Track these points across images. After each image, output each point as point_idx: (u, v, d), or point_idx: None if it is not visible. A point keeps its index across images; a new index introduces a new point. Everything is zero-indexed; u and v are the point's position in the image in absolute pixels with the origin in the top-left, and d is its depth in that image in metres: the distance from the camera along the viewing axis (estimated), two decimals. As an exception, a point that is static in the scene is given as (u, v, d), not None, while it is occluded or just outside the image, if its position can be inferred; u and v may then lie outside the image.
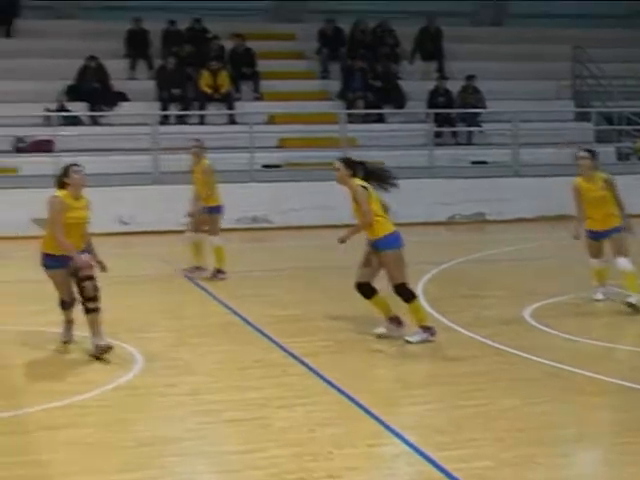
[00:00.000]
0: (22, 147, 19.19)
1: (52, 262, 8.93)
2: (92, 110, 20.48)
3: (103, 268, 9.16)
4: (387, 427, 6.87)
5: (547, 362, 8.55)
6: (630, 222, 10.96)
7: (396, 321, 9.55)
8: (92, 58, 20.67)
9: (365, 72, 22.00)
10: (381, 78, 22.04)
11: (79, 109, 20.31)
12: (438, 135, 21.12)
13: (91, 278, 8.80)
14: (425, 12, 23.33)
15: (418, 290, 11.27)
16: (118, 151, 18.88)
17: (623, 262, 10.80)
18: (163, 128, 19.51)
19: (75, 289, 8.96)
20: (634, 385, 7.88)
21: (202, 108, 21.04)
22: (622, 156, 21.84)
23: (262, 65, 21.99)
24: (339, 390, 7.80)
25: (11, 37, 22.07)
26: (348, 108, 21.13)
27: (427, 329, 9.41)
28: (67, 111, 19.89)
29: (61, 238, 8.76)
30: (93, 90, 20.49)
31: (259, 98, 21.80)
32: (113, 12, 22.53)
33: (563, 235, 12.23)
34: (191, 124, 20.45)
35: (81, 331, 9.17)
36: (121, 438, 6.71)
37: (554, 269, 13.73)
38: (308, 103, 21.23)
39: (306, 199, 18.61)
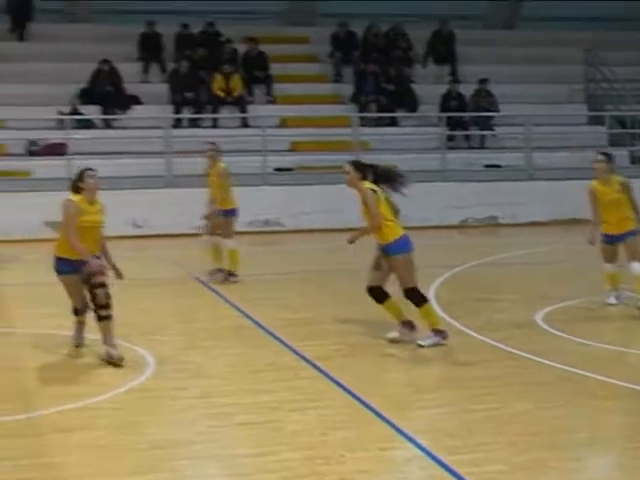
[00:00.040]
0: (35, 150, 19.22)
1: (65, 267, 8.89)
2: (105, 113, 20.54)
3: (119, 275, 9.14)
4: (399, 431, 6.86)
5: (559, 366, 8.52)
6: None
7: (409, 325, 9.53)
8: (105, 61, 20.73)
9: (378, 75, 21.99)
10: (394, 81, 22.04)
11: (92, 112, 20.37)
12: (451, 139, 21.09)
13: (103, 285, 8.77)
14: (438, 15, 23.30)
15: (430, 293, 11.26)
16: (131, 154, 18.92)
17: (637, 267, 10.77)
18: (176, 131, 19.59)
19: (87, 296, 8.93)
20: (647, 389, 7.87)
21: (215, 111, 21.07)
22: (635, 159, 21.76)
23: (275, 68, 22.02)
24: (351, 394, 7.78)
25: (25, 41, 22.13)
26: (361, 111, 21.15)
27: (439, 332, 9.40)
28: (80, 114, 19.96)
29: (75, 242, 8.72)
30: (106, 93, 20.54)
31: (272, 101, 21.84)
32: (126, 16, 22.59)
33: (576, 239, 12.19)
34: (204, 127, 20.45)
35: (92, 334, 9.17)
36: (133, 441, 6.72)
37: (567, 273, 13.69)
38: (321, 106, 21.22)
39: (318, 202, 18.63)
